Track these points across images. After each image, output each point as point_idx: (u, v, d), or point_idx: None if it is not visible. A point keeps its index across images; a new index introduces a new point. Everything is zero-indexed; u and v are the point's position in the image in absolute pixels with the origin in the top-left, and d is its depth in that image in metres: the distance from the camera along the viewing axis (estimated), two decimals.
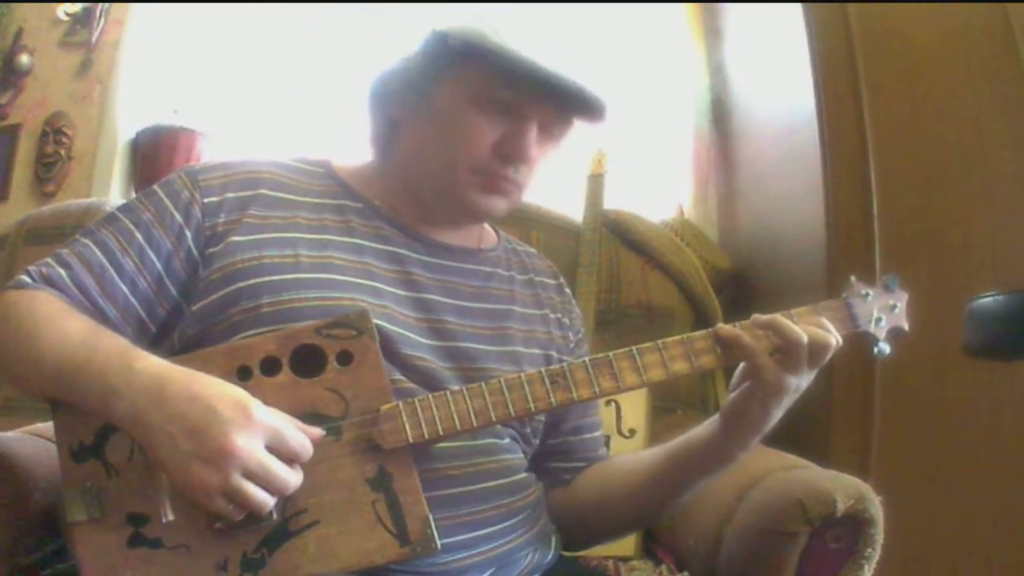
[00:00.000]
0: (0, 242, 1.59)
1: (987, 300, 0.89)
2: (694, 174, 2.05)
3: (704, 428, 0.93)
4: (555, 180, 1.95)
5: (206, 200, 0.89)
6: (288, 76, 2.17)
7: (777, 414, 0.87)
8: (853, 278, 0.92)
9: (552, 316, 1.06)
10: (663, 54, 2.11)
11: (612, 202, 1.73)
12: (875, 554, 0.98)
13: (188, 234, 0.88)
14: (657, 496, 0.97)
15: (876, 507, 0.97)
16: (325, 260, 0.89)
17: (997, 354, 1.02)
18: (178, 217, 0.88)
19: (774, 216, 1.77)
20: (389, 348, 0.85)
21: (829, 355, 0.85)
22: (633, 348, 0.85)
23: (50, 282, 0.85)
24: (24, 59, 2.16)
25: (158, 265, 0.87)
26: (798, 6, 1.57)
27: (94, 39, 2.14)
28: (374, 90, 0.97)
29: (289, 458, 0.73)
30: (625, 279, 1.66)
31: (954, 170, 1.49)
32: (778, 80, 1.74)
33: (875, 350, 0.92)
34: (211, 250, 0.87)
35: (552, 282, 1.11)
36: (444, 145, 0.92)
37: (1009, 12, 1.48)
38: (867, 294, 0.92)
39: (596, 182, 1.71)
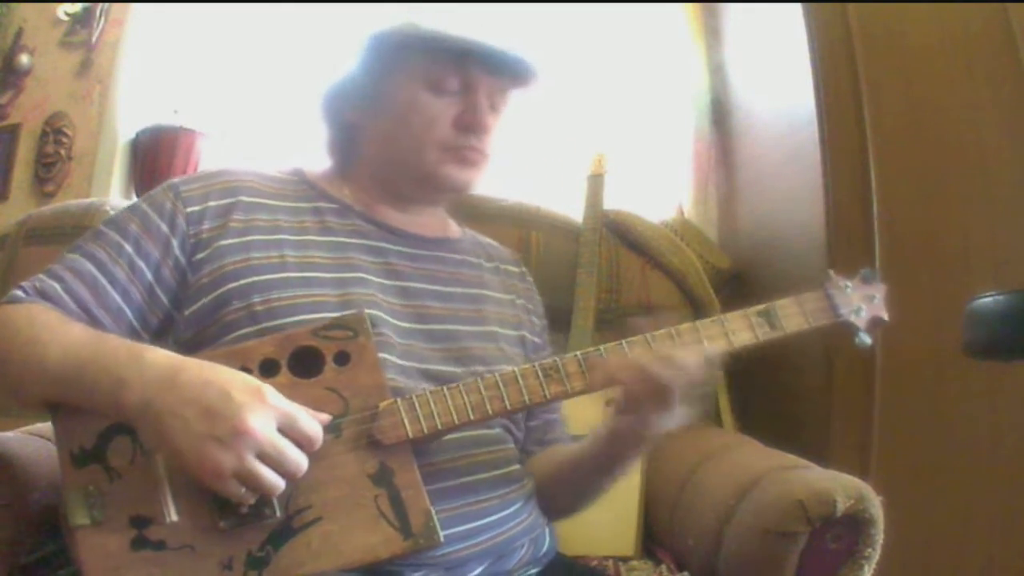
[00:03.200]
0: (0, 242, 1.59)
1: (987, 300, 0.89)
2: (694, 174, 2.05)
3: (589, 444, 0.98)
4: (555, 180, 1.97)
5: (189, 210, 0.93)
6: (288, 76, 2.17)
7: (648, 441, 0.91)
8: (831, 271, 0.95)
9: (519, 301, 1.12)
10: (663, 54, 2.11)
11: (612, 202, 1.73)
12: (875, 554, 0.98)
13: (174, 243, 0.91)
14: (572, 491, 1.04)
15: (876, 507, 0.97)
16: (309, 260, 0.93)
17: (997, 354, 1.02)
18: (164, 227, 0.91)
19: (774, 216, 1.77)
20: (377, 333, 0.88)
21: (676, 387, 0.84)
22: (623, 341, 0.87)
23: (44, 295, 0.86)
24: (24, 59, 2.16)
25: (148, 274, 0.89)
26: (798, 6, 1.57)
27: (94, 39, 2.15)
28: (326, 101, 1.03)
29: (300, 442, 0.75)
30: (625, 279, 1.66)
31: (954, 170, 1.49)
32: (778, 80, 1.74)
33: (856, 340, 0.94)
34: (198, 256, 0.90)
35: (516, 270, 1.17)
36: (409, 132, 0.98)
37: (1009, 12, 1.48)
38: (846, 286, 0.94)
39: (596, 182, 1.71)
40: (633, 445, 0.93)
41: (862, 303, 0.94)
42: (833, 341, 1.43)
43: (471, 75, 0.97)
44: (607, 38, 2.12)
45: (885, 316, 0.95)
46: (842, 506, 0.95)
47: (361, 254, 0.97)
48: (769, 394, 1.68)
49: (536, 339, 1.12)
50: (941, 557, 1.41)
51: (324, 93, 1.03)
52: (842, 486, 0.97)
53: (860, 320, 0.94)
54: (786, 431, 1.46)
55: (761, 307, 0.91)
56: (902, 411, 1.42)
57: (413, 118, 0.97)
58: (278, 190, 0.99)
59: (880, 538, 0.98)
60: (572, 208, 1.73)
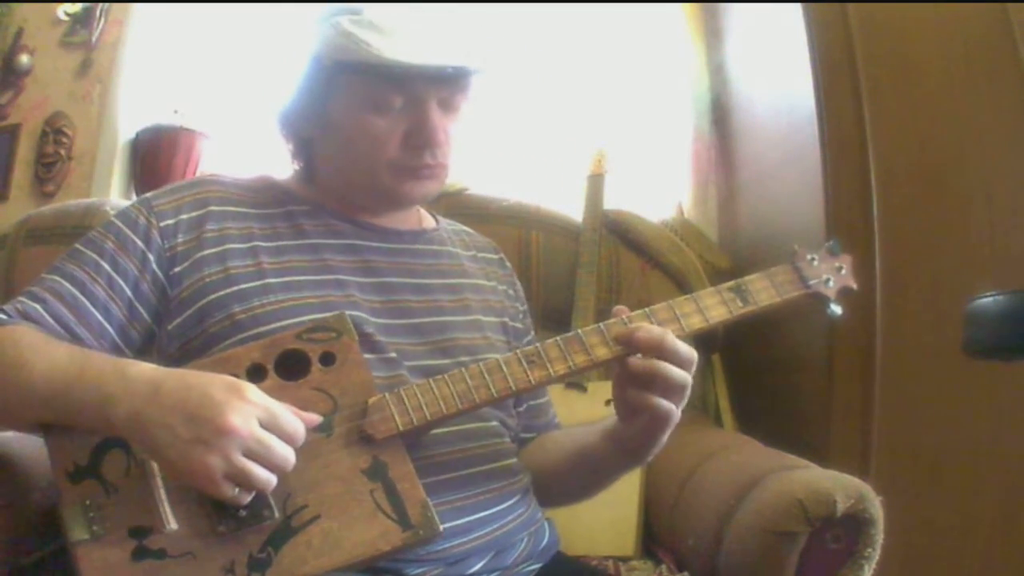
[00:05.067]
0: (0, 242, 1.59)
1: (987, 300, 0.89)
2: (694, 174, 2.05)
3: (597, 439, 0.95)
4: (555, 180, 1.97)
5: (163, 224, 0.93)
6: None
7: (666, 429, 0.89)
8: (796, 246, 0.96)
9: (500, 288, 1.12)
10: (663, 54, 2.11)
11: (612, 202, 1.73)
12: (875, 554, 0.98)
13: (151, 257, 0.91)
14: (577, 481, 1.02)
15: (876, 507, 0.97)
16: (286, 265, 0.94)
17: (997, 354, 1.02)
18: (139, 243, 0.92)
19: (774, 216, 1.77)
20: (359, 333, 0.87)
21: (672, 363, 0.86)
22: (600, 324, 0.88)
23: (26, 317, 0.87)
24: (24, 59, 2.16)
25: (127, 290, 0.90)
26: (798, 6, 1.57)
27: (94, 39, 2.14)
28: (280, 119, 1.01)
29: (282, 438, 0.75)
30: (625, 279, 1.66)
31: (954, 170, 1.49)
32: (778, 80, 1.74)
33: (828, 311, 0.95)
34: (176, 269, 0.91)
35: (495, 256, 1.17)
36: (358, 153, 0.96)
37: (1009, 12, 1.48)
38: (812, 258, 0.95)
39: (596, 182, 1.71)
40: (649, 438, 0.90)
41: (830, 274, 0.95)
42: (834, 339, 1.44)
43: (414, 91, 0.92)
44: (607, 38, 2.11)
45: (853, 285, 0.96)
46: (842, 506, 0.95)
47: (337, 254, 0.97)
48: (769, 394, 1.68)
49: (518, 325, 1.11)
50: (941, 557, 1.41)
51: (279, 110, 1.01)
52: (842, 486, 0.96)
53: (829, 290, 0.95)
54: (786, 431, 1.46)
55: (732, 283, 0.92)
56: (902, 411, 1.42)
57: (360, 140, 0.95)
58: (248, 198, 0.99)
59: (880, 538, 0.97)
60: (572, 208, 1.73)
